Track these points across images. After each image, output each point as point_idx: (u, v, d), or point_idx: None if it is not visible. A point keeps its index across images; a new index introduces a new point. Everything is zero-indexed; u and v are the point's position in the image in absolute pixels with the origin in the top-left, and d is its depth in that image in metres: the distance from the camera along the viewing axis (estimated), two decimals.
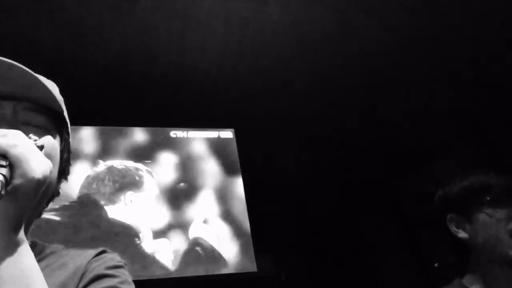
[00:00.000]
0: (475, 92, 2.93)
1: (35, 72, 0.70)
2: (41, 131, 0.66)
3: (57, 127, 0.72)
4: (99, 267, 0.64)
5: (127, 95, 2.73)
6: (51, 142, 0.68)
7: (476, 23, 2.47)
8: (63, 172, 0.75)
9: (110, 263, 0.65)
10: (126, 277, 0.65)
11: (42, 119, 0.68)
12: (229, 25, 2.38)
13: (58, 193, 0.74)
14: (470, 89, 2.92)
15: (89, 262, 0.66)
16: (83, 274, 0.63)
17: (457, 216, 1.09)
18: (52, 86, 0.73)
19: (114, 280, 0.62)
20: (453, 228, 1.09)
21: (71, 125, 0.79)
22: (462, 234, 1.08)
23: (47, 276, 0.58)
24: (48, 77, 0.76)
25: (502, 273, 1.01)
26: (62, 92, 0.79)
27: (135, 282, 0.66)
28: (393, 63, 2.72)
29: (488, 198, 1.06)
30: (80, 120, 2.66)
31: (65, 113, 0.74)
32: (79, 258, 0.67)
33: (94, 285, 0.60)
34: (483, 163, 3.04)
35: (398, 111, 3.06)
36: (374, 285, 3.14)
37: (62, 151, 0.72)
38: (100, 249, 0.70)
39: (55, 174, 0.69)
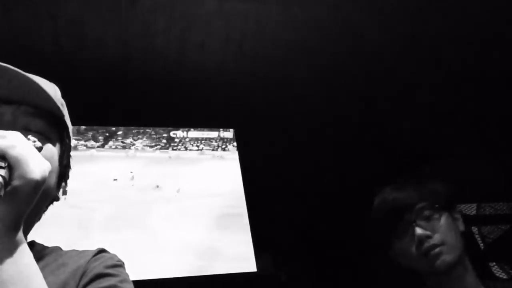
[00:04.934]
0: (476, 91, 2.93)
1: (35, 73, 0.70)
2: (40, 137, 0.66)
3: (57, 132, 0.72)
4: (98, 266, 0.65)
5: (127, 95, 2.73)
6: (50, 148, 0.68)
7: (475, 23, 2.46)
8: (63, 177, 0.75)
9: (109, 262, 0.67)
10: (125, 276, 0.66)
11: (42, 123, 0.68)
12: (229, 25, 2.38)
13: (57, 198, 0.74)
14: (470, 88, 2.92)
15: (88, 261, 0.67)
16: (83, 273, 0.64)
17: (389, 251, 1.13)
18: (53, 90, 0.73)
19: (114, 279, 0.63)
20: (395, 262, 1.14)
21: (72, 125, 0.79)
22: (403, 263, 1.12)
23: (47, 275, 0.58)
24: (48, 77, 0.76)
25: (441, 282, 1.04)
26: (61, 92, 0.78)
27: (134, 282, 0.66)
28: (393, 63, 2.72)
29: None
30: (79, 120, 2.66)
31: (66, 117, 0.74)
32: (78, 257, 0.68)
33: (94, 283, 0.62)
34: (484, 162, 3.05)
35: (399, 111, 3.06)
36: (375, 285, 3.14)
37: (61, 156, 0.72)
38: (98, 248, 0.71)
39: (54, 179, 0.70)
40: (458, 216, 1.13)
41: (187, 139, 2.85)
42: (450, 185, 1.15)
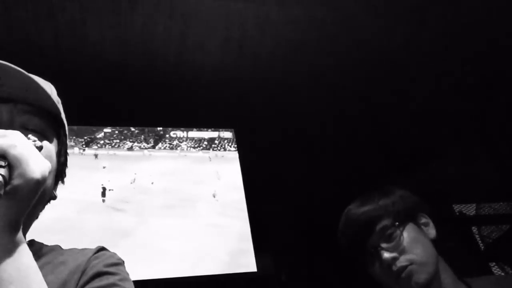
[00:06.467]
0: (475, 91, 2.93)
1: (35, 73, 0.69)
2: (37, 135, 0.65)
3: (54, 129, 0.71)
4: (98, 265, 0.65)
5: (127, 95, 2.73)
6: (48, 146, 0.67)
7: (475, 24, 2.46)
8: (60, 175, 0.74)
9: (109, 261, 0.66)
10: (125, 274, 0.65)
11: (39, 121, 0.67)
12: (229, 25, 2.38)
13: (55, 197, 0.74)
14: (470, 88, 2.92)
15: (88, 259, 0.66)
16: (83, 271, 0.64)
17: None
18: (50, 88, 0.73)
19: (114, 277, 0.63)
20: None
21: (72, 125, 0.78)
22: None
23: (47, 273, 0.58)
24: (48, 77, 0.76)
25: None
26: (61, 92, 0.78)
27: (135, 282, 0.66)
28: (393, 63, 2.72)
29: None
30: (79, 121, 2.66)
31: (63, 115, 0.74)
32: (78, 255, 0.68)
33: (94, 282, 0.62)
34: (484, 162, 3.04)
35: (398, 110, 3.06)
36: (375, 285, 3.14)
37: (58, 154, 0.72)
38: (98, 247, 0.71)
39: (52, 177, 0.69)
40: (425, 220, 1.06)
41: (225, 141, 3.04)
42: (408, 192, 1.10)
